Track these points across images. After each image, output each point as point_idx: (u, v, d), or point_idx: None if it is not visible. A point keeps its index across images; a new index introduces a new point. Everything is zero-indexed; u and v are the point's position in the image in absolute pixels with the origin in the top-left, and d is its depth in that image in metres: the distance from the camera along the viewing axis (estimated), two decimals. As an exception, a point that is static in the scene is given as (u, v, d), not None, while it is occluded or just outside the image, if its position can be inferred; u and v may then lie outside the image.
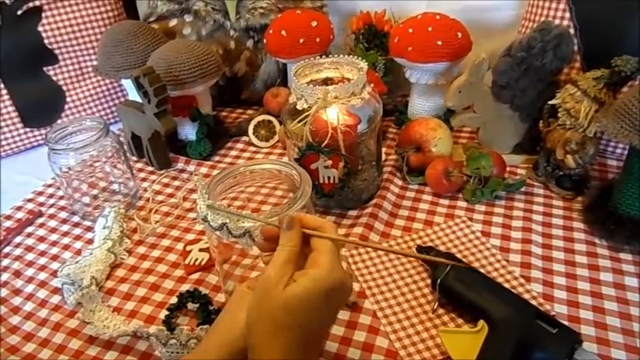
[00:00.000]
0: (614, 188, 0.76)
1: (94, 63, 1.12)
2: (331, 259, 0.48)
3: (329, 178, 0.78)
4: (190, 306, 0.69)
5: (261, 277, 0.48)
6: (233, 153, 1.05)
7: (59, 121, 1.12)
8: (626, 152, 0.75)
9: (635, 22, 0.81)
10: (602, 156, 0.92)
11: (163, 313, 0.69)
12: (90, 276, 0.72)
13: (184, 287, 0.73)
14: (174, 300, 0.70)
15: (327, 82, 0.80)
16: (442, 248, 0.75)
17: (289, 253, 0.49)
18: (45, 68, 1.11)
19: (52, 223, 0.89)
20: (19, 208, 0.93)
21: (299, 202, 0.60)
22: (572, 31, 0.87)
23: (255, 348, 0.46)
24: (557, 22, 0.87)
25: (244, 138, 1.08)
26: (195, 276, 0.75)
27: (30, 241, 0.85)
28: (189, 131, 1.03)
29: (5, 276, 0.78)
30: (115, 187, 0.92)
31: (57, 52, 1.11)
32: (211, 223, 0.60)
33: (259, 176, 0.68)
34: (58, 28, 1.10)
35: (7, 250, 0.84)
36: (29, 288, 0.76)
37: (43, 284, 0.76)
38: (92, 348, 0.66)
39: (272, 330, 0.46)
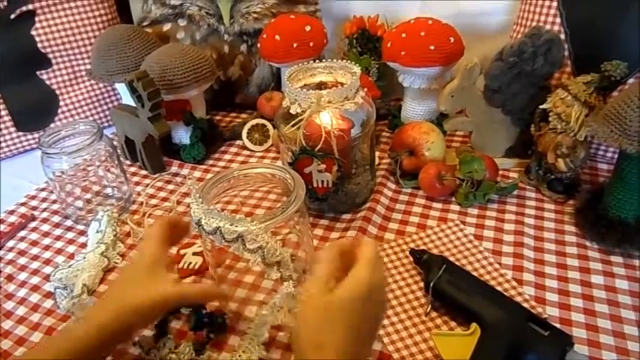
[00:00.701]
0: (604, 191, 0.77)
1: (88, 67, 1.12)
2: (372, 261, 0.50)
3: (322, 182, 0.78)
4: (183, 310, 0.69)
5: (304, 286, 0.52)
6: (227, 157, 1.05)
7: (52, 125, 1.12)
8: (616, 156, 0.76)
9: (625, 27, 0.82)
10: (593, 160, 0.92)
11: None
12: (81, 284, 0.72)
13: (178, 291, 0.73)
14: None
15: (320, 86, 0.80)
16: (435, 251, 0.76)
17: (329, 270, 0.50)
18: (38, 72, 1.11)
19: (45, 227, 0.89)
20: (11, 212, 0.92)
21: (292, 206, 0.60)
22: (562, 36, 0.88)
23: (327, 345, 0.46)
24: (547, 27, 0.88)
25: (238, 142, 1.08)
26: (189, 280, 0.75)
27: (23, 245, 0.85)
28: (183, 135, 1.03)
29: (-2, 280, 0.78)
30: (109, 191, 0.92)
31: (50, 56, 1.11)
32: (205, 228, 0.60)
33: (253, 180, 0.69)
34: (52, 32, 1.10)
35: (0, 253, 0.84)
36: (22, 292, 0.76)
37: (35, 288, 0.76)
38: (85, 352, 0.66)
39: (327, 327, 0.46)
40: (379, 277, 0.50)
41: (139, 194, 0.95)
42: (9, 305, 0.74)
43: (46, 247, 0.84)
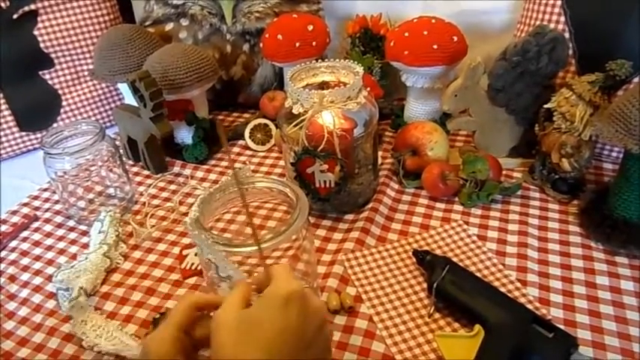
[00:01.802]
0: (609, 191, 0.76)
1: (90, 67, 1.11)
2: (283, 274, 0.47)
3: (325, 182, 0.78)
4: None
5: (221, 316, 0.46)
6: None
7: (55, 125, 1.12)
8: (621, 155, 0.76)
9: (630, 26, 0.82)
10: (598, 159, 0.92)
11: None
12: (78, 287, 0.71)
13: (180, 291, 0.73)
14: (169, 303, 0.70)
15: (323, 86, 0.80)
16: (438, 252, 0.75)
17: (242, 295, 0.47)
18: (41, 72, 1.11)
19: (48, 228, 0.89)
20: (14, 213, 0.92)
21: (294, 226, 0.58)
22: (567, 35, 0.87)
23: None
24: (552, 26, 0.88)
25: (241, 142, 1.08)
26: (192, 280, 0.75)
27: (25, 246, 0.85)
28: (185, 135, 1.03)
29: (0, 280, 0.78)
30: (111, 191, 0.91)
31: (53, 56, 1.11)
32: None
33: (253, 195, 0.67)
34: (54, 32, 1.10)
35: (2, 254, 0.83)
36: (24, 293, 0.76)
37: (38, 289, 0.76)
38: (87, 353, 0.65)
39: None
40: (295, 286, 0.45)
41: (141, 194, 0.95)
42: (11, 306, 0.74)
43: (49, 248, 0.84)
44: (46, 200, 0.96)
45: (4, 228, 0.89)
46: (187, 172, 1.00)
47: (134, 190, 0.95)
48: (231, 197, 0.64)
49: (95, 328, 0.67)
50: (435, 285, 0.66)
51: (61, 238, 0.86)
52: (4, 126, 1.08)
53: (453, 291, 0.65)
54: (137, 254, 0.81)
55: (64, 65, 1.13)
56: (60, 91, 1.13)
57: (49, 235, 0.87)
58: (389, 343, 0.63)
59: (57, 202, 0.94)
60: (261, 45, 1.07)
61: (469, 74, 0.86)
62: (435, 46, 0.91)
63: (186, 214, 0.89)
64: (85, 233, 0.86)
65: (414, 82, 0.97)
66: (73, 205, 0.89)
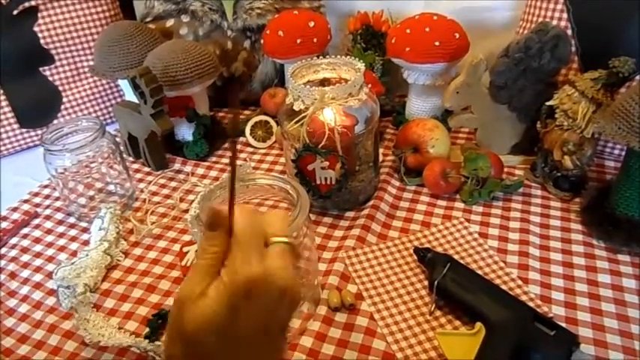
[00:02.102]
0: (611, 189, 0.76)
1: (91, 63, 1.11)
2: (243, 254, 0.38)
3: (326, 179, 0.78)
4: None
5: (176, 296, 0.39)
6: (230, 154, 1.04)
7: (55, 122, 1.12)
8: (623, 153, 0.75)
9: (633, 23, 0.81)
10: (600, 157, 0.91)
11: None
12: (83, 283, 0.71)
13: (180, 289, 0.73)
14: (170, 301, 0.70)
15: (324, 82, 0.80)
16: (440, 250, 0.75)
17: (210, 262, 0.38)
18: (41, 68, 1.11)
19: (48, 224, 0.88)
20: (14, 209, 0.92)
21: (296, 221, 0.58)
22: (569, 32, 0.87)
23: None
24: (554, 22, 0.87)
25: (241, 138, 1.07)
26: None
27: (25, 243, 0.85)
28: (185, 132, 1.03)
29: (0, 277, 0.78)
30: (112, 188, 0.91)
31: (53, 52, 1.10)
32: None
33: (254, 192, 0.67)
34: (55, 28, 1.09)
35: (2, 251, 0.83)
36: (24, 290, 0.76)
37: (38, 286, 0.76)
38: (87, 350, 0.66)
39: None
40: (256, 271, 0.37)
41: (141, 191, 0.95)
42: (11, 302, 0.74)
43: (49, 245, 0.84)
44: (47, 197, 0.96)
45: (4, 225, 0.89)
46: (188, 169, 1.00)
47: (134, 187, 0.95)
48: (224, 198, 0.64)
49: (97, 328, 0.67)
50: (436, 283, 0.65)
51: (61, 235, 0.86)
52: (4, 122, 1.08)
53: (454, 289, 0.65)
54: (137, 251, 0.81)
55: (65, 62, 1.12)
56: (60, 88, 1.13)
57: (49, 232, 0.87)
58: (390, 340, 0.63)
59: (57, 198, 0.94)
60: (262, 41, 1.06)
61: (471, 71, 0.85)
62: (437, 43, 0.91)
63: (186, 211, 0.88)
64: (85, 230, 0.86)
65: (415, 79, 0.97)
66: (73, 202, 0.88)
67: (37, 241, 0.85)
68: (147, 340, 0.64)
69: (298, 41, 1.00)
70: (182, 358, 0.38)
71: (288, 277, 0.39)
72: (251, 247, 0.38)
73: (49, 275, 0.77)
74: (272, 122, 1.06)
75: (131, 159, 1.04)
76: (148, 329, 0.67)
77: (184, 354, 0.38)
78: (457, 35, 0.92)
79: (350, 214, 0.84)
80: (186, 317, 0.37)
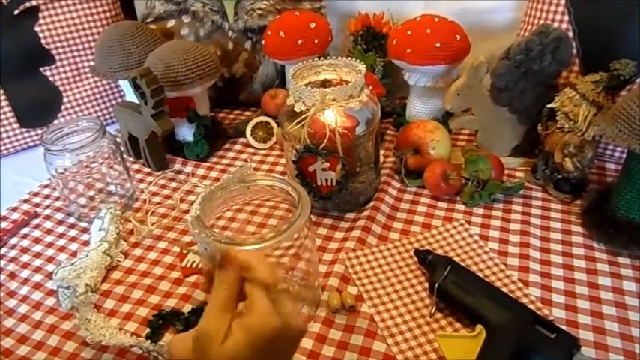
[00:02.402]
0: (612, 192, 0.76)
1: (91, 63, 1.11)
2: (265, 304, 0.42)
3: (327, 180, 0.78)
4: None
5: (198, 331, 0.42)
6: (231, 154, 1.04)
7: (55, 122, 1.12)
8: (624, 156, 0.75)
9: (634, 26, 0.81)
10: (601, 159, 0.91)
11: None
12: (84, 283, 0.71)
13: (181, 290, 0.73)
14: (170, 301, 0.70)
15: (325, 84, 0.80)
16: (440, 252, 0.75)
17: (225, 297, 0.42)
18: (42, 68, 1.10)
19: (48, 225, 0.88)
20: (14, 209, 0.92)
21: (296, 224, 0.57)
22: (570, 34, 0.87)
23: None
24: (555, 25, 0.87)
25: (242, 139, 1.08)
26: (192, 278, 0.75)
27: (25, 243, 0.84)
28: (186, 132, 1.02)
29: (0, 278, 0.77)
30: (112, 188, 0.91)
31: (54, 52, 1.10)
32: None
33: (254, 193, 0.67)
34: (55, 29, 1.09)
35: (2, 251, 0.83)
36: (24, 290, 0.75)
37: (38, 286, 0.76)
38: (87, 350, 0.65)
39: None
40: (275, 321, 0.41)
41: (142, 192, 0.95)
42: (11, 303, 0.74)
43: (49, 245, 0.84)
44: (47, 197, 0.95)
45: (4, 225, 0.89)
46: (188, 169, 1.00)
47: (135, 188, 0.94)
48: (232, 195, 0.64)
49: (99, 328, 0.67)
50: (436, 285, 0.65)
51: (61, 236, 0.86)
52: (5, 122, 1.08)
53: (455, 291, 0.65)
54: (137, 252, 0.81)
55: (65, 62, 1.12)
56: (61, 88, 1.13)
57: (49, 232, 0.87)
58: (390, 342, 0.63)
59: (57, 199, 0.94)
60: (263, 42, 1.06)
61: (472, 73, 0.85)
62: (438, 45, 0.91)
63: (187, 211, 0.88)
64: (85, 230, 0.86)
65: (416, 81, 0.97)
66: (73, 202, 0.88)
67: (37, 241, 0.85)
68: (149, 341, 0.64)
69: (299, 42, 1.00)
70: None
71: (299, 322, 0.45)
72: (271, 299, 0.43)
73: (49, 275, 0.77)
74: (273, 123, 1.06)
75: (131, 159, 1.04)
76: (148, 330, 0.67)
77: None
78: (458, 37, 0.92)
79: (350, 215, 0.84)
80: (214, 355, 0.40)
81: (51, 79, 1.12)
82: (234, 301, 0.43)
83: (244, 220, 0.81)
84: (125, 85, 1.06)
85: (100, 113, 1.17)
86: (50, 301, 0.73)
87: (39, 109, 1.11)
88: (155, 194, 0.94)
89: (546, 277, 0.70)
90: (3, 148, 1.09)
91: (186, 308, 0.69)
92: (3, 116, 1.07)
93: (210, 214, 0.62)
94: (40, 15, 1.08)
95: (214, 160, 1.03)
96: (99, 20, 1.13)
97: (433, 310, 0.66)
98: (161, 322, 0.67)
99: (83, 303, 0.69)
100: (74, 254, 0.81)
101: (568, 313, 0.65)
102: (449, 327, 0.65)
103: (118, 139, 0.94)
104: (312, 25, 1.02)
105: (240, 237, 0.58)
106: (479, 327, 0.61)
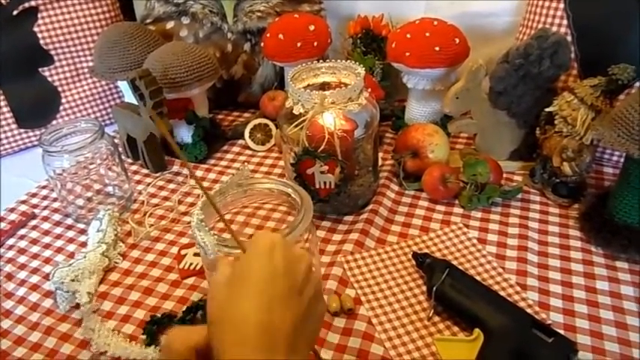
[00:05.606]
0: (610, 196, 0.76)
1: (90, 64, 1.11)
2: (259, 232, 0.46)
3: (325, 183, 0.78)
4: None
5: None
6: (229, 156, 1.04)
7: (54, 123, 1.12)
8: (622, 160, 0.75)
9: (633, 31, 0.81)
10: (599, 163, 0.92)
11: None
12: (86, 292, 0.70)
13: (178, 292, 0.72)
14: (167, 304, 0.70)
15: (324, 86, 0.80)
16: (438, 255, 0.75)
17: None
18: (40, 69, 1.10)
19: (46, 226, 0.88)
20: (12, 210, 0.92)
21: (299, 227, 0.58)
22: (569, 38, 0.87)
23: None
24: (554, 29, 0.87)
25: (240, 141, 1.07)
26: (190, 280, 0.75)
27: (23, 244, 0.84)
28: (185, 134, 1.02)
29: (-3, 279, 0.77)
30: (110, 189, 0.91)
31: (52, 52, 1.10)
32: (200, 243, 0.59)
33: (253, 196, 0.66)
34: (54, 29, 1.09)
35: (-1, 252, 0.83)
36: (21, 291, 0.75)
37: (35, 287, 0.76)
38: (84, 353, 0.65)
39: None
40: (275, 235, 0.45)
41: (140, 193, 0.94)
42: (8, 304, 0.73)
43: (47, 246, 0.84)
44: (45, 198, 0.95)
45: (1, 225, 0.88)
46: (187, 171, 1.00)
47: (133, 189, 0.94)
48: (230, 200, 0.64)
49: (103, 338, 0.66)
50: (434, 288, 0.65)
51: (59, 237, 0.86)
52: (3, 123, 1.08)
53: (453, 294, 0.65)
54: (135, 253, 0.81)
55: (64, 62, 1.12)
56: (59, 89, 1.13)
57: (46, 233, 0.87)
58: (388, 346, 0.63)
59: (55, 199, 0.93)
60: (262, 44, 1.06)
61: (471, 77, 0.86)
62: (437, 48, 0.91)
63: (185, 213, 0.88)
64: (83, 231, 0.86)
65: (415, 84, 0.97)
66: (71, 203, 0.88)
67: (35, 242, 0.85)
68: (152, 347, 0.64)
69: (298, 45, 1.00)
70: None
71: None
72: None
73: (46, 277, 0.76)
74: (271, 125, 1.06)
75: (130, 160, 1.04)
76: (145, 336, 0.66)
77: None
78: (457, 40, 0.93)
79: (349, 218, 0.83)
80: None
81: (49, 79, 1.12)
82: None
83: (242, 223, 0.81)
84: (124, 86, 1.06)
85: (98, 114, 1.17)
86: (47, 303, 0.73)
87: (37, 109, 1.11)
88: (153, 195, 0.94)
89: (544, 281, 0.70)
90: (1, 148, 1.09)
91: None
92: (1, 117, 1.07)
93: (209, 218, 0.62)
94: (39, 15, 1.08)
95: (212, 161, 1.03)
96: (98, 21, 1.13)
97: (431, 314, 0.66)
98: (155, 327, 0.67)
99: (87, 313, 0.69)
100: (72, 255, 0.81)
101: (566, 318, 0.65)
102: (446, 331, 0.64)
103: (116, 141, 0.94)
104: (312, 28, 1.02)
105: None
106: (476, 331, 0.61)
